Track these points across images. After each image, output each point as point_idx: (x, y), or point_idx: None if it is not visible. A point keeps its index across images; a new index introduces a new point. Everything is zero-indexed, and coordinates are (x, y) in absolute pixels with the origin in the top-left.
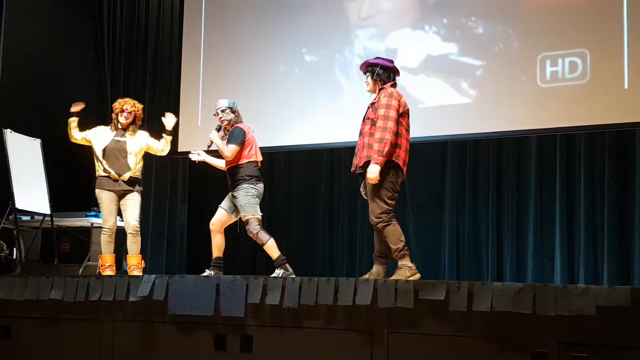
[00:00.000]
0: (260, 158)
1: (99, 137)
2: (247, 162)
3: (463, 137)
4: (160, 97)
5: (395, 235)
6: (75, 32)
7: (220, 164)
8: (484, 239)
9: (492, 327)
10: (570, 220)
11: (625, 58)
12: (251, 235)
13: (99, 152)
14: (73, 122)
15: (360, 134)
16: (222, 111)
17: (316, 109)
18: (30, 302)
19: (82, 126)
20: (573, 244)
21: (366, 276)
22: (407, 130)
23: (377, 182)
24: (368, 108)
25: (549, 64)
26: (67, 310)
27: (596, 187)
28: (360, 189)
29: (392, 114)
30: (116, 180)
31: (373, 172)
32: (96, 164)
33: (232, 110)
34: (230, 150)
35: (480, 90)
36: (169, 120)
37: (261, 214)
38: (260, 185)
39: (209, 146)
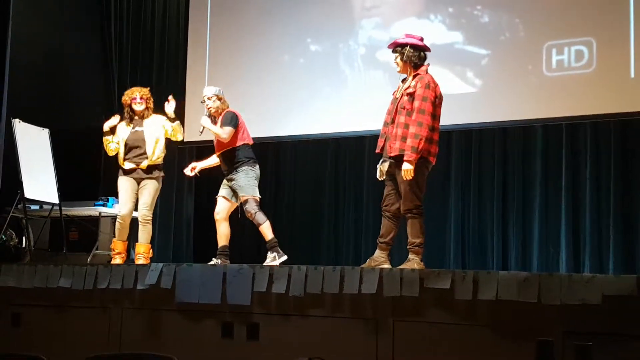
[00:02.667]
0: (252, 142)
1: (121, 134)
2: (243, 144)
3: (468, 127)
4: (166, 89)
5: (418, 228)
6: (83, 26)
7: (213, 161)
8: (489, 228)
9: (497, 316)
10: (575, 209)
11: (631, 47)
12: (248, 215)
13: (121, 147)
14: (107, 141)
15: (392, 122)
16: (209, 99)
17: (321, 99)
18: (39, 290)
19: (88, 119)
20: (578, 233)
21: (368, 262)
22: (439, 121)
23: (412, 178)
24: (402, 95)
25: (554, 52)
26: (76, 298)
27: (602, 176)
28: (379, 168)
29: (429, 107)
30: (134, 170)
31: (408, 171)
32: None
33: (219, 97)
34: (226, 132)
35: (485, 80)
36: (169, 107)
37: (260, 196)
38: (258, 167)
39: (200, 132)
